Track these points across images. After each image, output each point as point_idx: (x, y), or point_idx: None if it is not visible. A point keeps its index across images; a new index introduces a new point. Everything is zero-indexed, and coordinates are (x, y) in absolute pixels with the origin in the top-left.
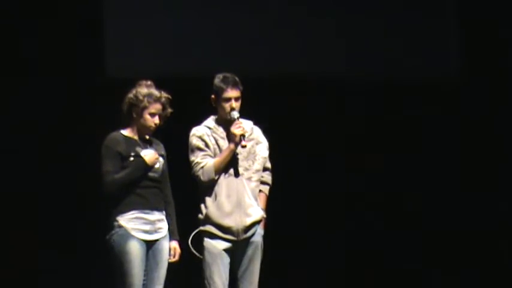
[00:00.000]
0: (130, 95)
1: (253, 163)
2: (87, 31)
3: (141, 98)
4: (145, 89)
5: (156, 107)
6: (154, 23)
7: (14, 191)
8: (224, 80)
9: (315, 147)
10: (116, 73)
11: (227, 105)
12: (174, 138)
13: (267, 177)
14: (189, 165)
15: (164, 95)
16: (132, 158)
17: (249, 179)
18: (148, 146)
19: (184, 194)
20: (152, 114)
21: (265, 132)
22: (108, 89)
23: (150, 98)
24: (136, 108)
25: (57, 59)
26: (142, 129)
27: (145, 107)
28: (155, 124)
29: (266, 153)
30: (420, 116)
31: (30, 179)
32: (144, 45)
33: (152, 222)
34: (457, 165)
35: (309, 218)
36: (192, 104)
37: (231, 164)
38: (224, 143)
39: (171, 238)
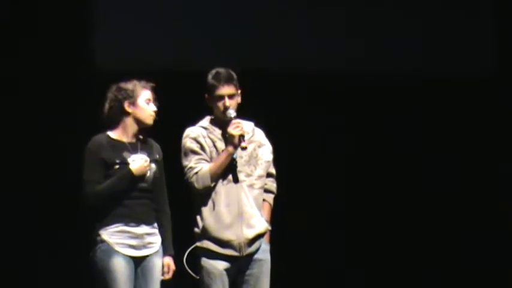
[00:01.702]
0: (114, 93)
1: (255, 168)
2: (77, 25)
3: (130, 87)
4: (128, 83)
5: (148, 93)
6: (147, 15)
7: (10, 190)
8: (216, 76)
9: (315, 145)
10: (105, 67)
11: (220, 104)
12: (167, 139)
13: (271, 184)
14: (182, 171)
15: (149, 82)
16: (117, 166)
17: (251, 186)
18: (138, 150)
19: (180, 204)
20: (148, 101)
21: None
22: (97, 83)
23: (139, 86)
24: (128, 101)
25: (45, 52)
26: (141, 123)
27: (138, 95)
28: (154, 111)
29: (270, 157)
30: (448, 116)
31: (28, 177)
32: (136, 38)
33: (140, 237)
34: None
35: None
36: (189, 100)
37: (230, 170)
38: (222, 145)
39: (164, 253)
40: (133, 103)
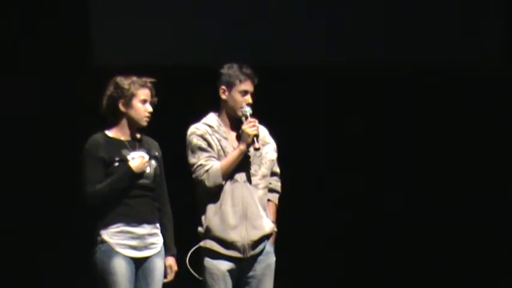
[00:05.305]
0: (111, 90)
1: (259, 167)
2: (73, 20)
3: (126, 86)
4: (125, 79)
5: (145, 93)
6: (145, 9)
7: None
8: (242, 70)
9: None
10: (104, 62)
11: (242, 99)
12: (168, 135)
13: (276, 183)
14: (189, 169)
15: (148, 79)
16: (116, 164)
17: (256, 186)
18: (137, 147)
19: (182, 202)
20: (143, 102)
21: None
22: (97, 79)
23: (136, 84)
24: (123, 100)
25: (42, 49)
26: (135, 124)
27: (133, 95)
28: (149, 112)
29: (274, 155)
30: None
31: (29, 176)
32: (135, 32)
33: (141, 237)
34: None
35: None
36: (191, 95)
37: (237, 168)
38: (227, 144)
39: (166, 254)
40: (127, 103)
